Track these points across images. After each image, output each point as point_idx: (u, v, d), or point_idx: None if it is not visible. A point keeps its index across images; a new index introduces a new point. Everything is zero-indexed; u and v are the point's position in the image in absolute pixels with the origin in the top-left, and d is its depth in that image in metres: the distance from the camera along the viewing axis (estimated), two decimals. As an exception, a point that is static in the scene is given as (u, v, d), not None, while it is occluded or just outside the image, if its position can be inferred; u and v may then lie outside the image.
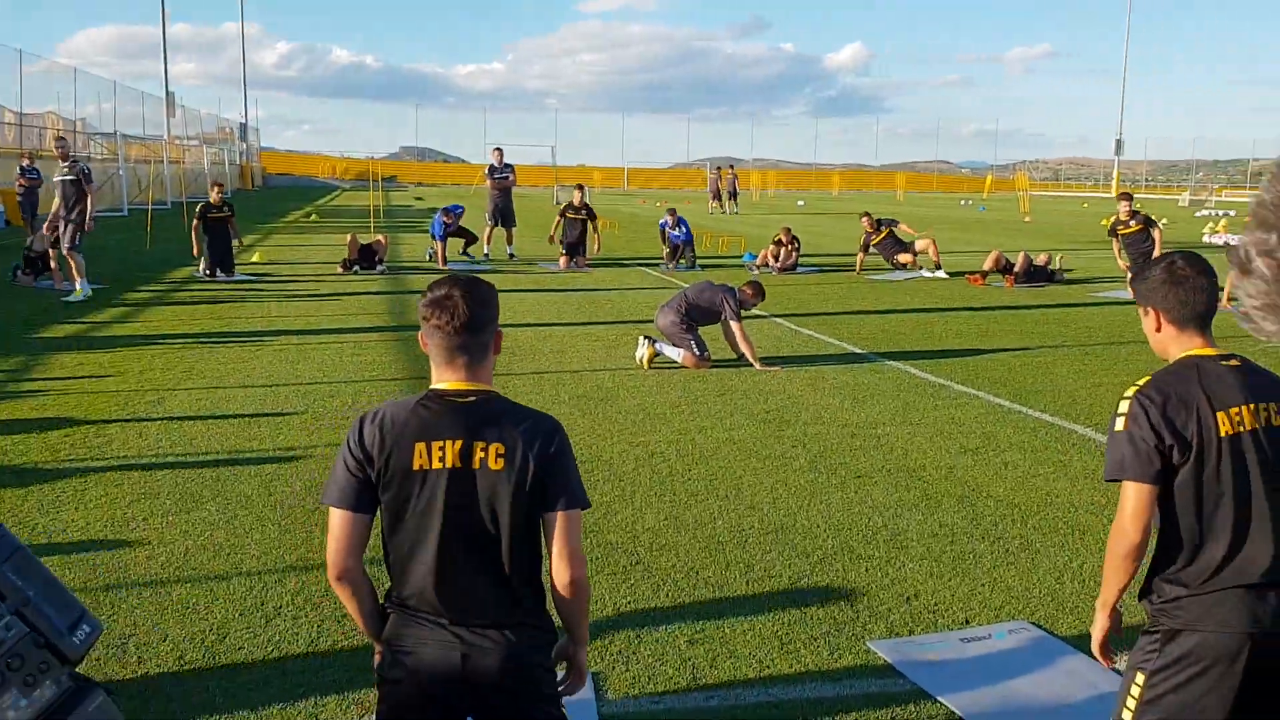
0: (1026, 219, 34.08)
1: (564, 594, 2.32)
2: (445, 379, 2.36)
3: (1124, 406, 2.43)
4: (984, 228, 29.62)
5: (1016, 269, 14.56)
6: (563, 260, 16.45)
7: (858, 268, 16.00)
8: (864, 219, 16.35)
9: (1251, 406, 2.42)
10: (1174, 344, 2.53)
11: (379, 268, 15.25)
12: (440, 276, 2.40)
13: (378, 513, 2.30)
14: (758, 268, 16.19)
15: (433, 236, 16.91)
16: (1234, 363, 2.47)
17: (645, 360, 8.27)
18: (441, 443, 2.27)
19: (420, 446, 2.27)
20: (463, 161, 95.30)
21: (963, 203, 55.19)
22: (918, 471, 5.53)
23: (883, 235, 16.09)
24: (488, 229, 17.82)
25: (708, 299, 8.46)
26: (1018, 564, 4.31)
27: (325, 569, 2.29)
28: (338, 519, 2.29)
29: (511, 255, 17.87)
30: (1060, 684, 3.34)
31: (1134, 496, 2.39)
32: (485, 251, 17.66)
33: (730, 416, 6.68)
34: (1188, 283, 2.50)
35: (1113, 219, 14.39)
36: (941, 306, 12.29)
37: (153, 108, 39.88)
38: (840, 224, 31.06)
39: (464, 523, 2.25)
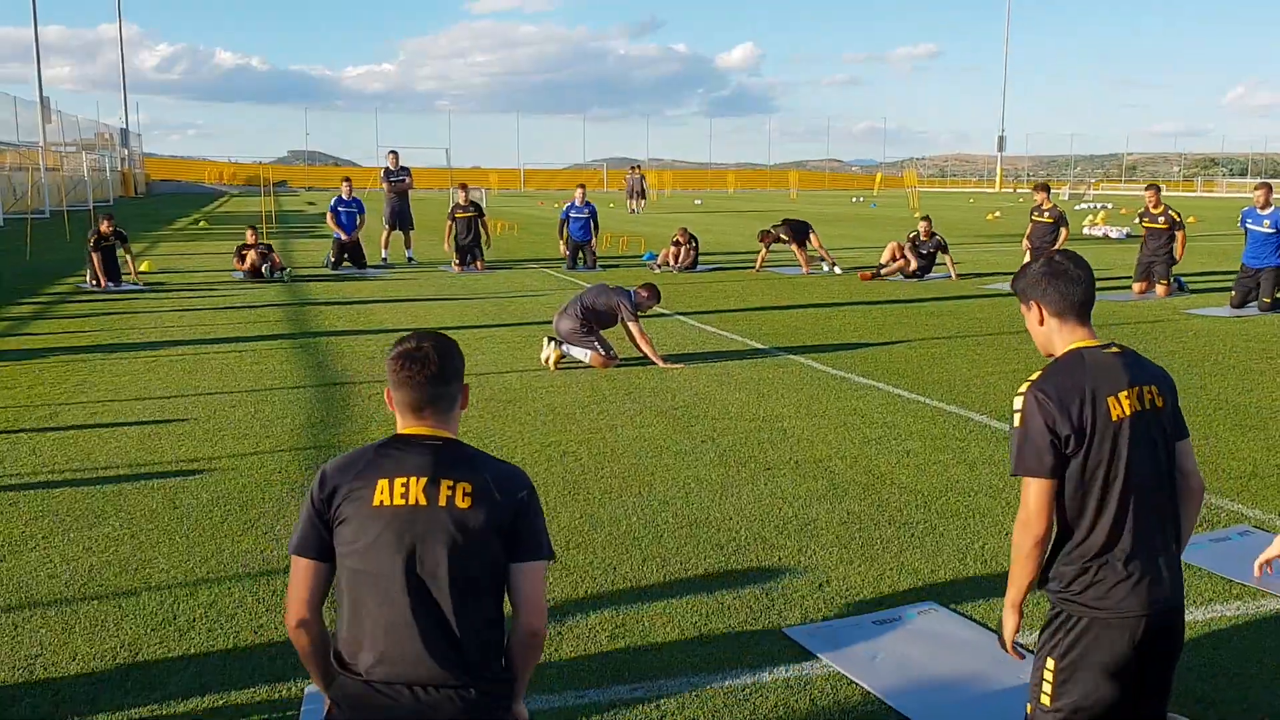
0: (916, 214, 35.02)
1: (524, 645, 2.32)
2: (411, 428, 2.34)
3: (1019, 403, 2.56)
4: (878, 224, 30.35)
5: (894, 268, 15.01)
6: (456, 265, 16.34)
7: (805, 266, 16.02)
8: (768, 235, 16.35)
9: (1135, 389, 2.57)
10: (1057, 336, 2.67)
11: (278, 274, 14.93)
12: (405, 334, 2.41)
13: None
14: (659, 267, 16.33)
15: (338, 223, 16.48)
16: (1114, 350, 2.62)
17: (551, 361, 8.29)
18: (405, 479, 2.24)
19: (383, 483, 2.24)
20: (355, 165, 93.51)
21: (854, 200, 56.40)
22: (824, 462, 5.68)
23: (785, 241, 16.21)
24: (385, 233, 17.59)
25: (604, 302, 8.51)
26: (923, 547, 4.47)
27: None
28: (300, 568, 2.28)
29: (410, 259, 17.67)
30: (970, 660, 3.49)
31: (1035, 492, 2.52)
32: (383, 255, 17.42)
33: (639, 414, 6.75)
34: (1066, 275, 2.65)
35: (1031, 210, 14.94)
36: (839, 301, 12.58)
37: (26, 113, 38.19)
38: (737, 222, 31.46)
39: (426, 563, 2.20)
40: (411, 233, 17.96)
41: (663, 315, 10.77)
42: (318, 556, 2.27)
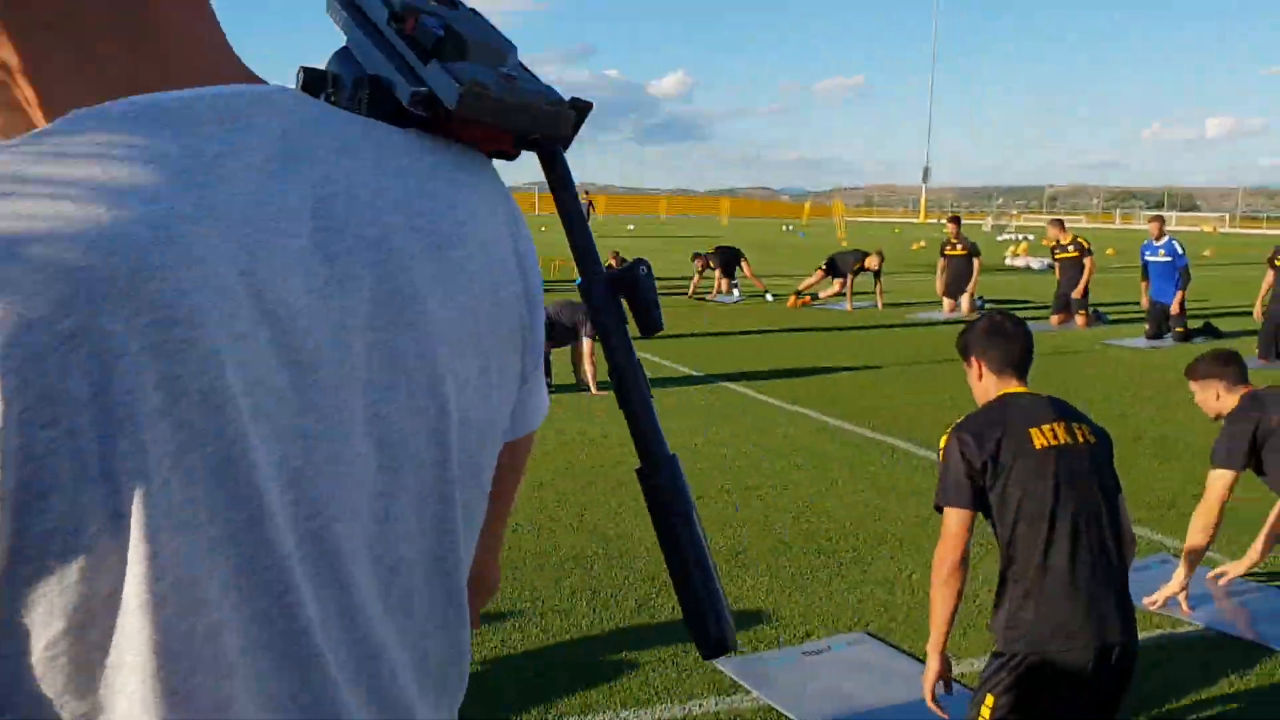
0: (844, 244, 35.57)
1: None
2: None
3: (943, 442, 2.71)
4: (807, 253, 30.76)
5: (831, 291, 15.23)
6: None
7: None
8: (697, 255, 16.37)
9: (1063, 422, 2.64)
10: (994, 389, 2.84)
11: None
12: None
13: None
14: None
15: None
16: (1043, 396, 2.74)
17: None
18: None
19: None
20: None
21: (785, 228, 57.14)
22: (756, 489, 5.69)
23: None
24: None
25: (568, 316, 8.52)
26: (850, 577, 4.49)
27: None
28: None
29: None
30: (900, 691, 3.49)
31: (953, 520, 2.63)
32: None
33: (569, 442, 6.70)
34: (1005, 333, 2.86)
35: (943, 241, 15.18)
36: (772, 328, 12.69)
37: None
38: (670, 248, 31.64)
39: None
40: None
41: (595, 340, 10.75)
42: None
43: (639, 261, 0.75)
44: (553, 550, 4.71)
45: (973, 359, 2.92)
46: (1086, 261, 13.13)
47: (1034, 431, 2.60)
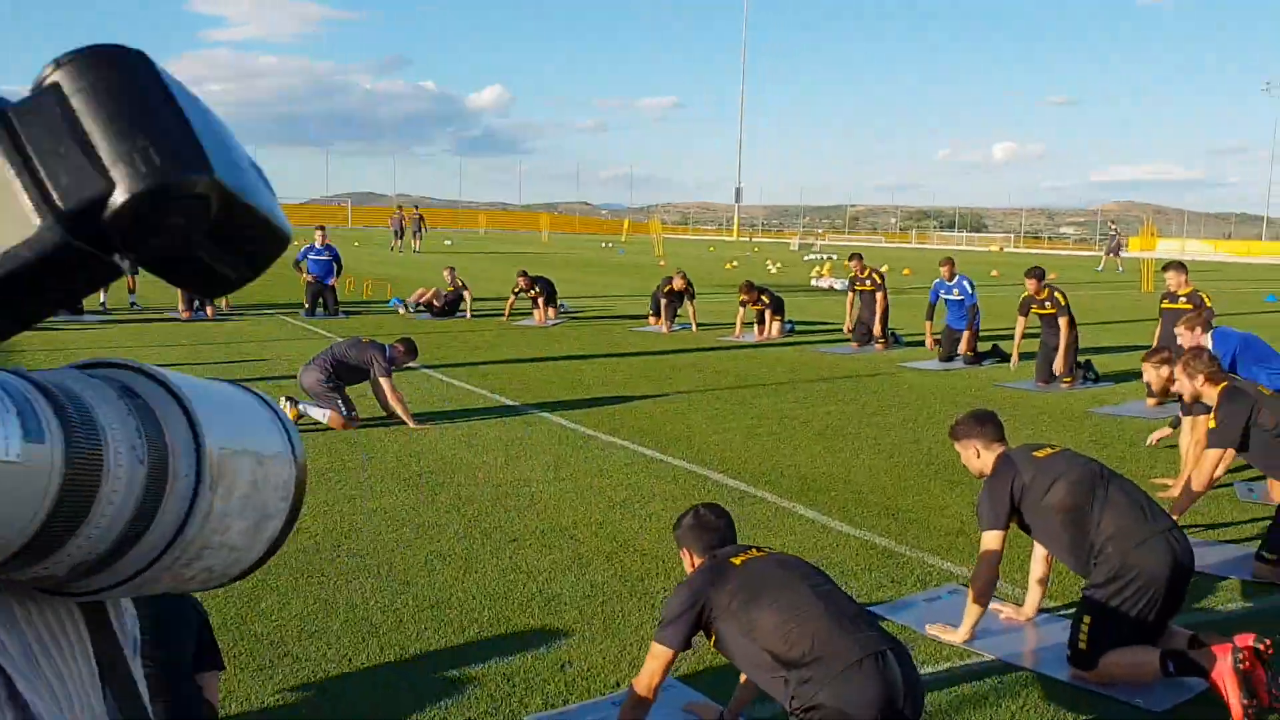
0: (661, 262, 36.20)
1: None
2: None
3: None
4: (626, 271, 31.11)
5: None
6: (183, 310, 15.41)
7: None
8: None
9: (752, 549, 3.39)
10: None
11: None
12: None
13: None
14: (413, 308, 16.14)
15: None
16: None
17: (289, 423, 7.89)
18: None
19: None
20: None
21: (604, 245, 57.66)
22: (569, 529, 5.70)
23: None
24: None
25: (356, 356, 8.25)
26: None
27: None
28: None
29: (134, 304, 16.47)
30: (704, 738, 3.56)
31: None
32: (101, 300, 16.14)
33: (381, 482, 6.54)
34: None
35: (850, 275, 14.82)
36: (588, 353, 12.76)
37: None
38: (491, 264, 31.39)
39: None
40: (136, 276, 16.76)
41: (409, 369, 10.54)
42: None
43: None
44: (360, 603, 4.58)
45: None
46: (879, 296, 13.72)
47: (737, 557, 3.26)
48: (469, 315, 16.36)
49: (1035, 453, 4.28)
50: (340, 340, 8.62)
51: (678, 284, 15.34)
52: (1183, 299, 10.06)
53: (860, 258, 14.35)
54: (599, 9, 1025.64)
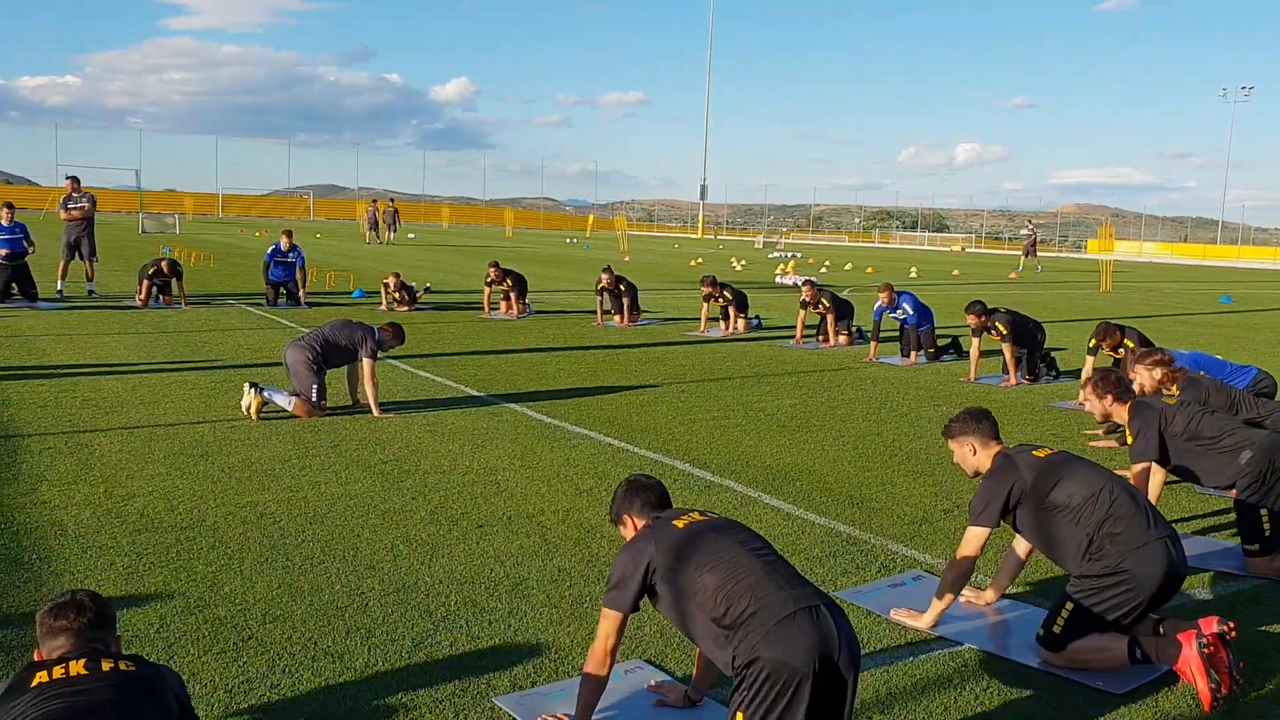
0: (626, 258, 36.20)
1: None
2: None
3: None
4: (592, 266, 31.06)
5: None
6: (140, 298, 15.20)
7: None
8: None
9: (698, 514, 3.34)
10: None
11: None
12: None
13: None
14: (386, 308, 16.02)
15: None
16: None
17: (252, 410, 7.82)
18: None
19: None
20: (31, 183, 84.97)
21: (569, 240, 57.56)
22: (536, 516, 5.68)
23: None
24: (61, 263, 16.07)
25: (346, 337, 8.21)
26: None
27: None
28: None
29: (91, 292, 16.22)
30: (675, 715, 3.57)
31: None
32: (59, 288, 15.88)
33: (346, 469, 6.49)
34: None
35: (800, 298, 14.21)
36: (554, 346, 12.73)
37: None
38: (455, 259, 31.24)
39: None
40: (94, 263, 16.52)
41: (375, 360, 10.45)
42: None
43: None
44: (325, 586, 4.54)
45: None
46: (829, 316, 13.65)
47: (679, 520, 3.28)
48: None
49: (1035, 452, 4.25)
50: (330, 322, 8.55)
51: (604, 280, 15.37)
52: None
53: (813, 283, 14.29)
54: (565, 2, 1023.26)
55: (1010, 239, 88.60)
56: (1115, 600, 3.91)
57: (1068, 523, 4.04)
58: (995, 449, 4.33)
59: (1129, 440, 5.48)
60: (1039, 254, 43.16)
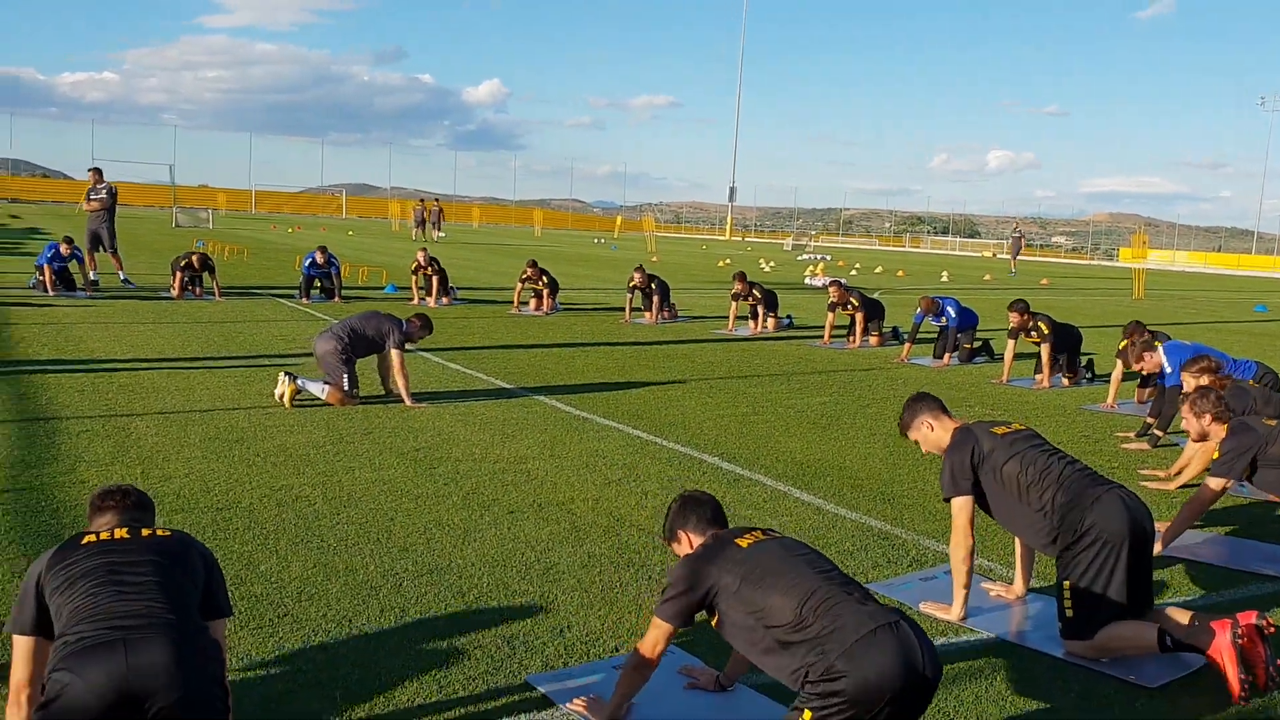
0: (654, 259, 36.24)
1: None
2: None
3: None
4: (620, 266, 31.12)
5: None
6: (175, 290, 15.39)
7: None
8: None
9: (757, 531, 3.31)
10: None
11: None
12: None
13: None
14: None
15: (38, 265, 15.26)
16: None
17: (286, 398, 7.90)
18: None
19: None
20: (67, 178, 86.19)
21: (596, 241, 57.66)
22: (566, 504, 5.72)
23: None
24: (87, 254, 16.29)
25: (374, 327, 8.28)
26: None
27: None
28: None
29: (126, 281, 16.43)
30: (714, 702, 3.59)
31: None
32: (93, 277, 16.09)
33: (379, 455, 6.55)
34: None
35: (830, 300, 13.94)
36: (583, 341, 12.78)
37: None
38: (486, 257, 31.38)
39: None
40: (115, 253, 16.73)
41: (407, 351, 10.53)
42: None
43: None
44: (359, 567, 4.59)
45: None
46: (858, 316, 13.62)
47: (743, 539, 3.22)
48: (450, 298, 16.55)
49: (994, 429, 4.36)
50: (359, 313, 8.63)
51: (637, 279, 15.41)
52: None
53: (840, 283, 14.33)
54: (597, 6, 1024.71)
55: (1041, 246, 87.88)
56: (1096, 559, 3.95)
57: (1024, 498, 4.16)
58: (952, 424, 4.41)
59: (1215, 455, 5.38)
60: (1018, 257, 43.49)
